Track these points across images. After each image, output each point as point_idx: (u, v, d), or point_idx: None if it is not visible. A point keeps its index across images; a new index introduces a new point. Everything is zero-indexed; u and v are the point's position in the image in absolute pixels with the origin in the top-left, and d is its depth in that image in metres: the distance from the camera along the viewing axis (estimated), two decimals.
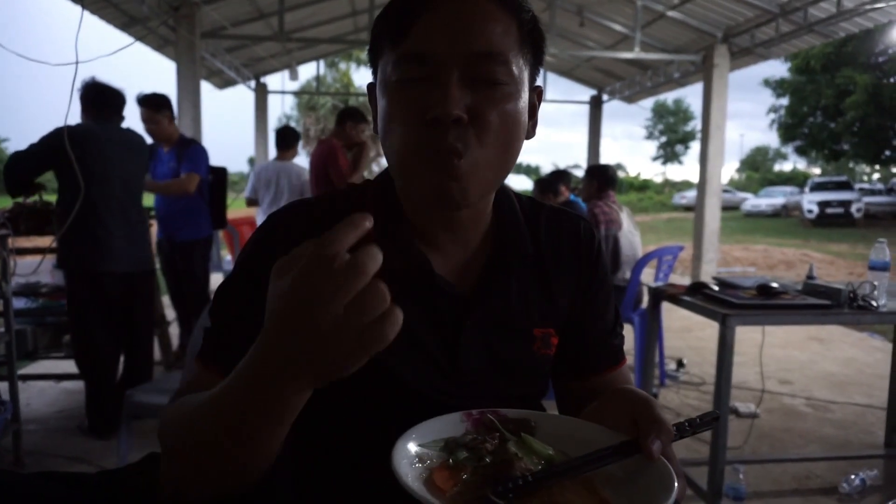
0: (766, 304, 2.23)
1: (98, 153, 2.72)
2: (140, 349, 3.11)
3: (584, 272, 0.85)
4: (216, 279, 4.79)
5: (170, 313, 4.26)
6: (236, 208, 5.79)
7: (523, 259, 0.79)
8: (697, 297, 2.44)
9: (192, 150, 3.55)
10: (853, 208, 19.40)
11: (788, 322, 2.28)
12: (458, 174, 0.66)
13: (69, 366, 3.33)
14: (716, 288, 2.49)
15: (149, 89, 3.61)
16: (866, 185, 26.46)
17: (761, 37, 6.88)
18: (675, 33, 7.76)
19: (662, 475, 0.55)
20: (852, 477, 2.54)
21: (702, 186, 7.54)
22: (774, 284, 2.39)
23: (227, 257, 5.91)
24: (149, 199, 3.70)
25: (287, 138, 4.63)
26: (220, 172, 3.83)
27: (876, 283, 2.26)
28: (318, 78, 11.82)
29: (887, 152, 21.93)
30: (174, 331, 4.18)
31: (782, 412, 3.47)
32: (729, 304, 2.23)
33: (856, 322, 2.27)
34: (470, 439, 0.61)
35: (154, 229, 3.84)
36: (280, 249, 0.73)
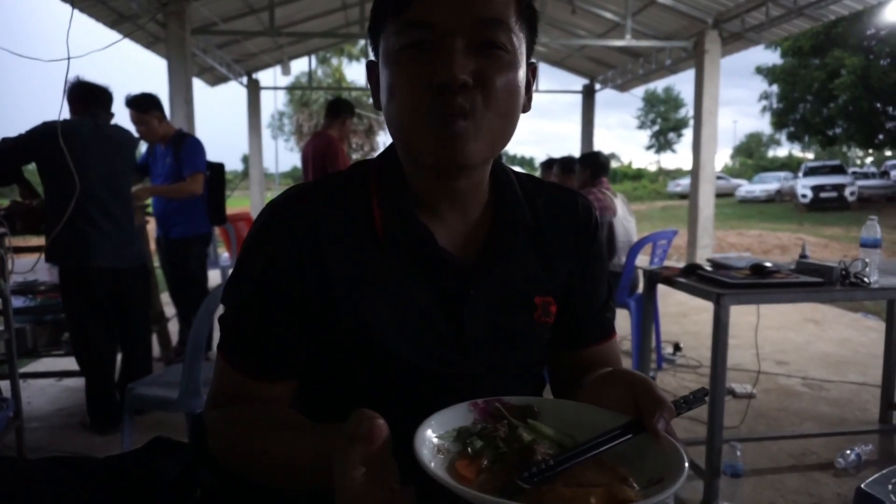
0: (759, 282, 2.26)
1: (81, 148, 2.71)
2: (137, 345, 3.12)
3: (582, 246, 0.87)
4: (214, 277, 4.79)
5: (169, 310, 4.27)
6: (231, 205, 5.80)
7: (524, 229, 0.81)
8: (692, 278, 2.46)
9: (188, 145, 3.52)
10: (847, 192, 19.48)
11: (782, 300, 2.30)
12: (464, 133, 0.68)
13: (69, 363, 3.35)
14: (709, 269, 2.52)
15: (140, 89, 3.59)
16: (859, 170, 26.54)
17: (751, 21, 6.89)
18: (665, 20, 7.77)
19: (671, 451, 0.57)
20: (848, 452, 2.57)
21: (695, 173, 7.56)
22: (768, 264, 2.41)
23: (225, 254, 5.91)
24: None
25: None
26: (218, 168, 3.83)
27: (868, 259, 2.29)
28: (310, 73, 11.77)
29: (880, 136, 21.94)
30: (173, 327, 4.20)
31: (778, 392, 3.51)
32: (723, 283, 2.26)
33: (848, 299, 2.30)
34: (481, 428, 0.63)
35: (152, 226, 3.86)
36: (284, 237, 0.75)
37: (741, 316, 3.77)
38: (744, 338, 4.20)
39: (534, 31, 0.75)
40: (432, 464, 0.55)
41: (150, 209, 3.78)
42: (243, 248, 0.79)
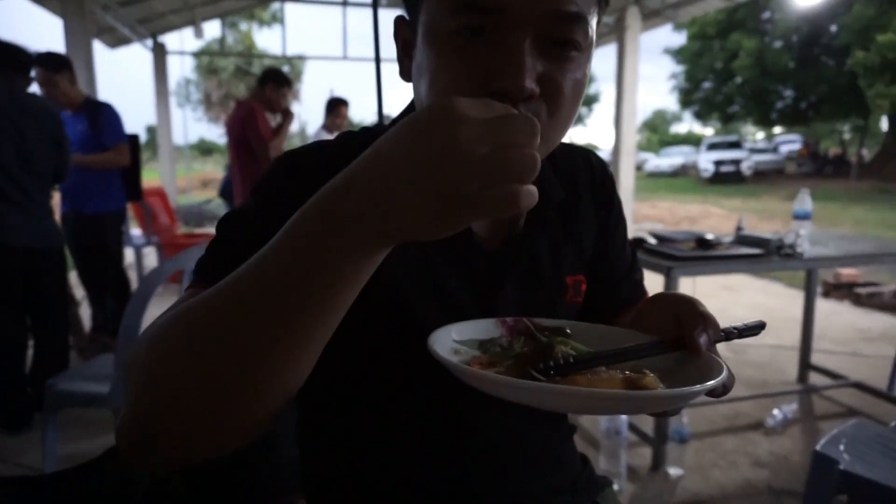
0: (706, 255, 2.33)
1: None
2: (53, 335, 2.84)
3: (603, 203, 0.82)
4: (128, 256, 4.44)
5: (79, 292, 3.92)
6: (143, 178, 5.39)
7: (553, 207, 0.75)
8: (639, 251, 2.51)
9: (107, 114, 3.25)
10: (744, 166, 20.93)
11: (726, 271, 2.39)
12: None
13: None
14: (654, 242, 2.58)
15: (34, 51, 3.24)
16: (753, 145, 28.46)
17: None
18: None
19: (710, 364, 0.52)
20: (775, 412, 2.74)
21: (617, 147, 7.79)
22: (709, 236, 2.49)
23: (137, 231, 5.49)
24: None
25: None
26: (133, 140, 3.51)
27: (801, 231, 2.41)
28: (222, 38, 11.08)
29: (773, 114, 23.55)
30: (85, 312, 3.86)
31: None
32: (672, 257, 2.31)
33: (784, 269, 2.41)
34: (506, 341, 0.59)
35: (56, 201, 3.50)
36: (297, 187, 0.64)
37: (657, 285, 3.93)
38: None
39: (605, 6, 0.65)
40: (446, 353, 0.50)
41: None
42: (257, 191, 0.66)
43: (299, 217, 0.43)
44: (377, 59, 2.81)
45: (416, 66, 0.61)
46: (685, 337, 0.55)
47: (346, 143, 0.70)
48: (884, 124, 22.53)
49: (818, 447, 1.57)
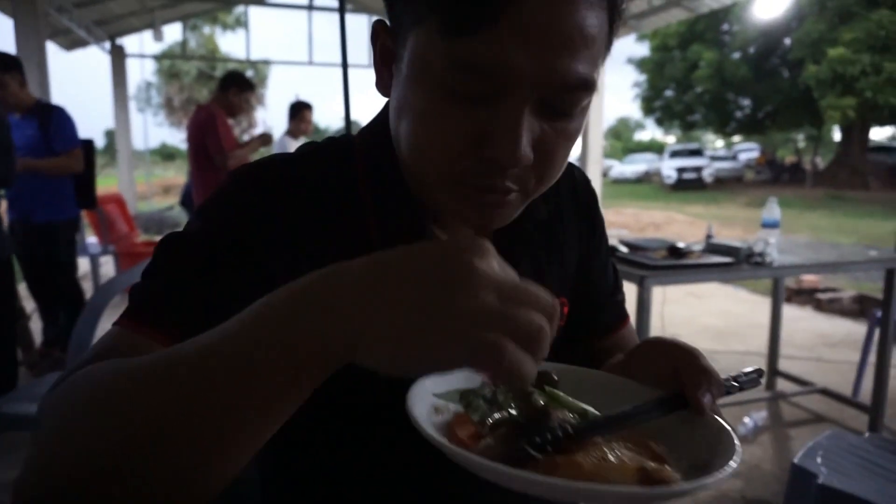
0: (677, 264, 2.32)
1: None
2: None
3: (586, 219, 0.78)
4: (82, 265, 4.25)
5: (28, 305, 3.73)
6: (100, 185, 5.20)
7: (536, 225, 0.70)
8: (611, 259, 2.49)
9: (59, 118, 3.12)
10: (705, 173, 21.45)
11: (697, 280, 2.38)
12: (508, 205, 0.56)
13: None
14: (625, 250, 2.56)
15: None
16: (713, 153, 29.22)
17: (634, 10, 7.21)
18: None
19: (718, 431, 0.48)
20: (746, 420, 2.75)
21: (584, 155, 7.85)
22: (681, 245, 2.49)
23: (93, 239, 5.28)
24: None
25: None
26: (87, 145, 3.36)
27: (771, 240, 2.42)
28: (184, 42, 10.84)
29: (732, 123, 24.21)
30: (36, 326, 3.67)
31: None
32: (644, 265, 2.29)
33: (754, 277, 2.42)
34: (490, 391, 0.52)
35: (2, 209, 3.32)
36: (254, 208, 0.58)
37: (630, 293, 3.95)
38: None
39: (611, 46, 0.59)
40: (427, 424, 0.43)
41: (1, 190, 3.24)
42: (205, 205, 0.59)
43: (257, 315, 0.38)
44: (344, 65, 2.74)
45: (399, 97, 0.55)
46: (688, 396, 0.50)
47: (310, 157, 0.63)
48: (836, 134, 23.36)
49: (796, 460, 1.56)
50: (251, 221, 0.57)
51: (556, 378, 0.55)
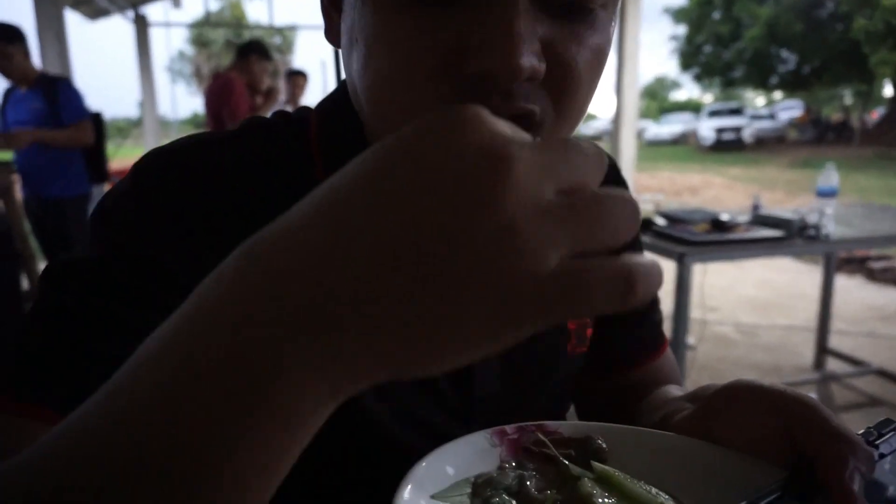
0: (721, 239, 2.11)
1: None
2: None
3: None
4: None
5: None
6: (122, 156, 5.17)
7: None
8: (648, 234, 2.29)
9: (66, 90, 3.02)
10: (745, 133, 20.60)
11: (744, 256, 2.18)
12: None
13: None
14: (663, 223, 2.35)
15: None
16: (754, 112, 28.08)
17: None
18: None
19: None
20: None
21: (618, 116, 7.51)
22: (725, 217, 2.27)
23: None
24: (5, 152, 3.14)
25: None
26: (96, 117, 3.27)
27: (828, 210, 2.18)
28: (207, 11, 10.67)
29: (775, 79, 23.12)
30: None
31: (715, 341, 3.50)
32: (685, 241, 2.09)
33: (808, 252, 2.20)
34: (514, 478, 0.37)
35: (18, 185, 3.27)
36: (161, 211, 0.41)
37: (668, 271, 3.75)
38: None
39: None
40: None
41: (13, 165, 3.18)
42: (99, 214, 0.44)
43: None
44: None
45: (348, 29, 0.40)
46: (825, 477, 0.34)
47: (247, 135, 0.48)
48: (888, 90, 22.16)
49: None
50: (158, 229, 0.42)
51: (605, 447, 0.40)
